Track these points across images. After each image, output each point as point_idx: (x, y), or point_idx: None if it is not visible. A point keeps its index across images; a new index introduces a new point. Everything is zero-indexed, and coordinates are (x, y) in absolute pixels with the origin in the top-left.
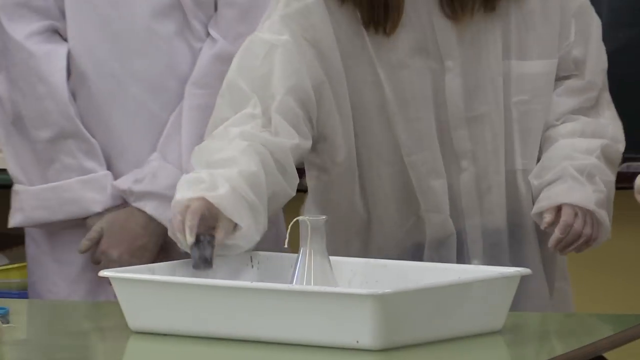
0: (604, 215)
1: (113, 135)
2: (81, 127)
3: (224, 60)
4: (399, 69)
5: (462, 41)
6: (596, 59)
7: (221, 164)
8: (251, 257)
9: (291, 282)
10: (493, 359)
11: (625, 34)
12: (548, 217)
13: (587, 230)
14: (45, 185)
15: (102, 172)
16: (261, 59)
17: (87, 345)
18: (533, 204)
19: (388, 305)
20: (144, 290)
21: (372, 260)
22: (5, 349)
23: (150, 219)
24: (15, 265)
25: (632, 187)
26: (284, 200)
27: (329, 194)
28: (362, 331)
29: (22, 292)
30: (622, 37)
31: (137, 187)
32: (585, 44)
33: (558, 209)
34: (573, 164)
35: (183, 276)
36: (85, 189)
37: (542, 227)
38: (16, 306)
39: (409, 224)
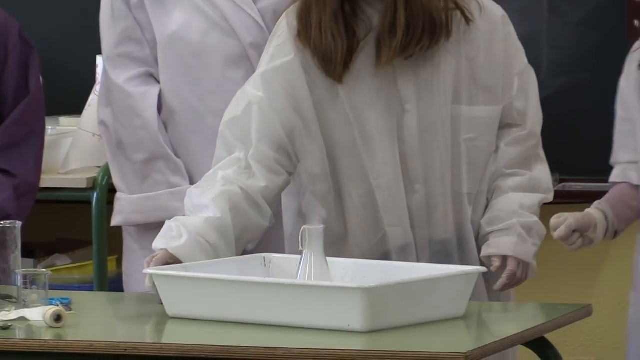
0: (535, 264)
1: (194, 157)
2: (168, 150)
3: None
4: (366, 110)
5: (419, 89)
6: (535, 112)
7: (197, 209)
8: (264, 258)
9: (296, 278)
10: (456, 338)
11: (562, 81)
12: (497, 263)
13: (523, 277)
14: (141, 195)
15: (186, 186)
16: (242, 112)
17: (133, 328)
18: (476, 234)
19: (373, 296)
20: (179, 284)
21: (359, 261)
22: (68, 331)
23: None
24: (77, 264)
25: (565, 203)
26: (257, 231)
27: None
28: (352, 317)
29: (82, 286)
30: (559, 83)
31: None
32: (526, 99)
33: (504, 257)
34: (520, 220)
35: (211, 273)
36: (172, 199)
37: (492, 269)
38: (77, 297)
39: (377, 237)
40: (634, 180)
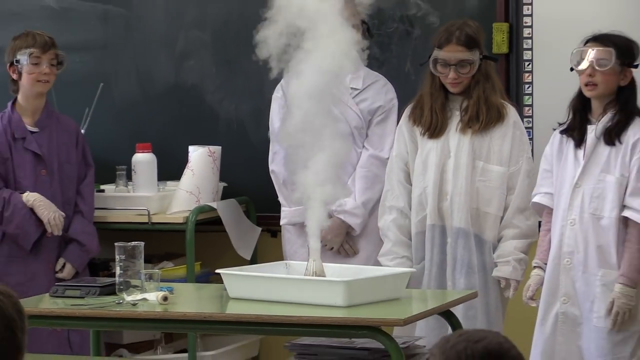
0: (520, 280)
1: None
2: None
3: (373, 158)
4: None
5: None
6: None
7: None
8: (286, 263)
9: (305, 275)
10: (399, 310)
11: None
12: (504, 284)
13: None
14: (298, 207)
15: None
16: None
17: (209, 304)
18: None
19: (350, 286)
20: (238, 279)
21: (344, 265)
22: (171, 306)
23: (342, 222)
24: (177, 267)
25: None
26: None
27: None
28: (337, 297)
29: (179, 280)
30: None
31: (337, 208)
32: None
33: (507, 279)
34: (514, 257)
35: (255, 272)
36: None
37: (502, 287)
38: (176, 287)
39: None
40: (550, 204)
